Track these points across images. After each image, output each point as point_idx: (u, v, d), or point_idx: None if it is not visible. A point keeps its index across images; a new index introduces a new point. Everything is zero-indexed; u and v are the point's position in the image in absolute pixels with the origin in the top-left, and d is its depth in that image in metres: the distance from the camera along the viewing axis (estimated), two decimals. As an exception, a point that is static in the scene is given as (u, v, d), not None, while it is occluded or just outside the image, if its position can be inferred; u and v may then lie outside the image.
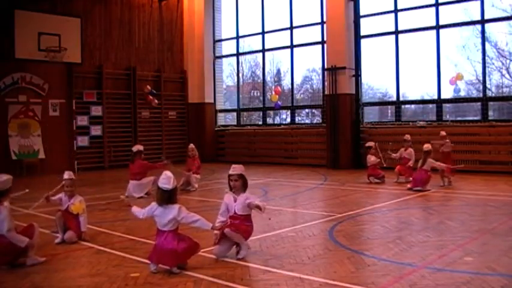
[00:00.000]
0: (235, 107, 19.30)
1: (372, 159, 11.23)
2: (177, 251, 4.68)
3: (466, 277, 4.40)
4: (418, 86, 15.10)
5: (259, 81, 19.83)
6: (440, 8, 13.81)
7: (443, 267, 4.76)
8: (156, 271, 4.72)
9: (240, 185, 5.30)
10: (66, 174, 6.23)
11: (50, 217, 6.99)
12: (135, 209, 5.13)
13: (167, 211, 4.80)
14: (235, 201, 5.29)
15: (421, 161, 10.00)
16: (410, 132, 12.16)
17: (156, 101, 17.42)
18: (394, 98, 14.96)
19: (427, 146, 10.06)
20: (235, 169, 5.33)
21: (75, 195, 6.20)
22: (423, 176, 9.81)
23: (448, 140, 10.84)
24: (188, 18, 18.84)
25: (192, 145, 11.44)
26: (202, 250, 5.51)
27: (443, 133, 11.06)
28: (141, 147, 10.35)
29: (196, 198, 9.58)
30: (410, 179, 10.32)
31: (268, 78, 19.46)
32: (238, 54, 19.00)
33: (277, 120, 19.13)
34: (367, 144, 11.65)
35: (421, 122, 14.01)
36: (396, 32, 14.62)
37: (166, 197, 4.82)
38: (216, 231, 5.15)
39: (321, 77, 17.24)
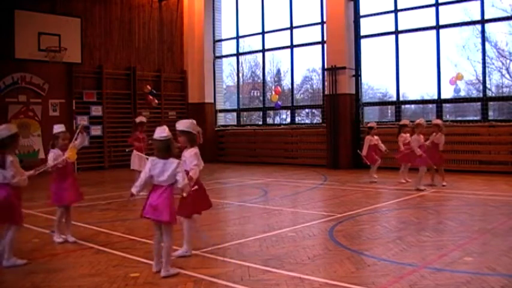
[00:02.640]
0: (235, 107, 19.30)
1: (372, 138, 11.14)
2: (173, 206, 4.69)
3: (466, 277, 4.40)
4: (418, 86, 15.13)
5: (259, 81, 19.83)
6: (440, 8, 13.81)
7: (443, 267, 4.76)
8: (158, 270, 4.71)
9: (183, 140, 5.22)
10: (58, 127, 5.99)
11: (49, 217, 7.00)
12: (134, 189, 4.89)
13: (168, 165, 4.69)
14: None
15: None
16: (410, 132, 12.13)
17: (156, 101, 17.42)
18: (394, 98, 14.96)
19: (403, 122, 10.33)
20: (179, 124, 5.25)
21: (68, 147, 5.93)
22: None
23: (439, 134, 10.46)
24: (188, 18, 18.84)
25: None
26: (202, 250, 5.52)
27: (437, 121, 10.75)
28: (143, 119, 10.57)
29: (196, 198, 9.56)
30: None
31: (268, 78, 19.47)
32: (238, 54, 19.00)
33: (277, 120, 19.12)
34: (369, 125, 11.62)
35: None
36: (396, 32, 14.62)
37: (165, 147, 4.71)
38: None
39: (321, 77, 17.25)
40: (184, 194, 4.75)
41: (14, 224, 5.12)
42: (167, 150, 4.72)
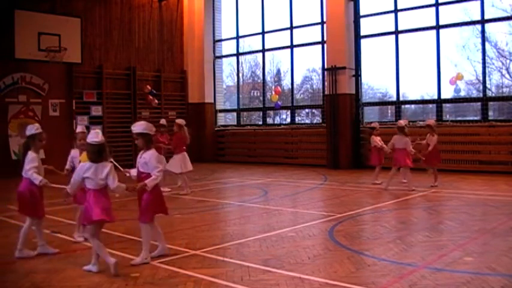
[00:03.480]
0: (235, 107, 19.30)
1: (376, 139, 10.97)
2: (109, 207, 4.83)
3: (466, 277, 4.41)
4: (418, 86, 15.12)
5: (259, 81, 19.83)
6: (440, 8, 13.81)
7: (443, 267, 4.76)
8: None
9: (141, 143, 5.23)
10: (79, 128, 6.23)
11: (50, 217, 6.99)
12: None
13: (100, 169, 4.80)
14: (140, 157, 5.38)
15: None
16: (410, 132, 12.11)
17: (156, 101, 17.42)
18: (394, 98, 14.96)
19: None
20: (135, 127, 5.25)
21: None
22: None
23: (422, 138, 10.45)
24: (188, 18, 18.83)
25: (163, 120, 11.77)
26: (202, 250, 5.53)
27: (430, 122, 10.65)
28: (163, 121, 11.16)
29: (196, 198, 9.58)
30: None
31: (268, 78, 19.45)
32: (238, 54, 19.00)
33: (277, 120, 19.12)
34: (372, 125, 11.53)
35: (421, 122, 14.00)
36: (396, 32, 14.62)
37: (96, 151, 4.81)
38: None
39: (321, 77, 17.25)
40: (117, 195, 4.88)
41: (31, 216, 5.37)
42: (99, 154, 4.84)
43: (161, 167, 5.20)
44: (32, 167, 5.34)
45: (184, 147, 10.42)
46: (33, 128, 5.64)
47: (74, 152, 6.26)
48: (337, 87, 14.83)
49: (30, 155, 5.45)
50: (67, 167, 6.25)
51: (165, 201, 5.44)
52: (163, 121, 11.64)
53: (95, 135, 4.86)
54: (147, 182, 5.05)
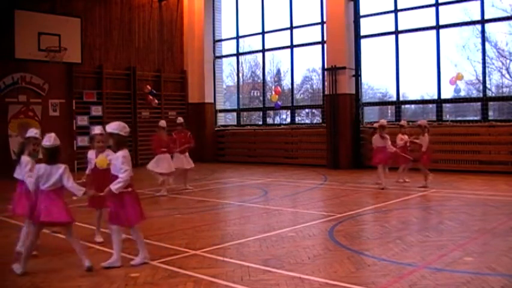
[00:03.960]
0: (235, 107, 19.30)
1: (378, 140, 10.53)
2: (61, 206, 4.84)
3: (466, 277, 4.41)
4: (418, 86, 15.12)
5: (259, 81, 19.83)
6: (440, 8, 13.81)
7: (443, 267, 4.76)
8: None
9: (112, 143, 5.18)
10: (97, 129, 6.13)
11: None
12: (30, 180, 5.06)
13: (54, 170, 4.85)
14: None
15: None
16: (410, 132, 12.12)
17: (156, 101, 17.42)
18: (394, 98, 14.96)
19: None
20: (108, 126, 5.19)
21: (105, 150, 5.99)
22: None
23: (417, 137, 10.38)
24: (188, 18, 18.83)
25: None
26: (202, 250, 5.52)
27: (421, 122, 10.50)
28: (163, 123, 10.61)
29: (196, 198, 9.58)
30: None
31: (268, 78, 19.45)
32: (238, 54, 19.00)
33: (277, 120, 19.12)
34: (375, 125, 10.99)
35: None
36: (396, 32, 14.62)
37: (48, 154, 4.89)
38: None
39: (321, 77, 17.25)
40: (74, 198, 4.97)
41: (28, 218, 5.32)
42: (53, 156, 4.91)
43: (127, 169, 4.96)
44: (26, 172, 5.36)
45: (162, 149, 10.23)
46: (32, 132, 5.74)
47: (91, 154, 6.18)
48: (337, 87, 14.83)
49: (23, 159, 5.52)
50: (87, 172, 6.27)
51: (135, 208, 5.10)
52: (180, 119, 11.25)
53: (48, 139, 4.95)
54: (111, 186, 4.95)
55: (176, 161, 10.58)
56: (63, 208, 4.86)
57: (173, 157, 10.53)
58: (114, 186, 4.92)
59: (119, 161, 5.00)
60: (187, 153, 10.83)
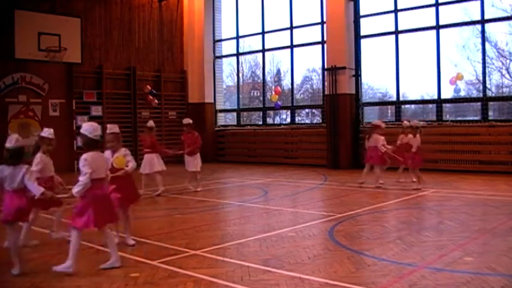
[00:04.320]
0: (235, 107, 19.30)
1: (379, 139, 10.29)
2: (24, 205, 4.91)
3: (466, 277, 4.40)
4: (418, 86, 15.12)
5: (259, 81, 19.83)
6: (440, 8, 13.81)
7: (443, 267, 4.76)
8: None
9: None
10: (109, 128, 6.09)
11: (49, 217, 6.98)
12: None
13: (17, 171, 4.90)
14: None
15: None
16: (409, 132, 12.10)
17: (156, 101, 17.42)
18: (394, 98, 14.96)
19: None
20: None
21: (119, 149, 5.98)
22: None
23: (410, 137, 10.22)
24: (188, 18, 18.83)
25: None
26: (202, 250, 5.52)
27: (413, 123, 10.39)
28: (151, 123, 10.63)
29: (196, 198, 9.58)
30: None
31: (268, 78, 19.46)
32: (238, 54, 19.00)
33: (277, 120, 19.12)
34: (373, 122, 10.87)
35: (421, 122, 13.98)
36: (396, 32, 14.62)
37: (7, 156, 4.92)
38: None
39: (321, 77, 17.25)
40: (36, 196, 4.97)
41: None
42: (15, 158, 4.94)
43: (87, 172, 4.84)
44: (35, 171, 5.59)
45: (147, 150, 10.32)
46: (46, 132, 6.10)
47: (108, 154, 6.03)
48: (337, 87, 14.83)
49: (38, 156, 5.90)
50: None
51: (105, 211, 4.95)
52: (187, 120, 11.11)
53: (9, 141, 5.01)
54: (73, 189, 4.90)
55: (190, 165, 10.54)
56: (22, 208, 4.92)
57: (186, 159, 10.58)
58: (75, 190, 4.89)
59: (80, 164, 4.97)
60: (198, 154, 10.61)
